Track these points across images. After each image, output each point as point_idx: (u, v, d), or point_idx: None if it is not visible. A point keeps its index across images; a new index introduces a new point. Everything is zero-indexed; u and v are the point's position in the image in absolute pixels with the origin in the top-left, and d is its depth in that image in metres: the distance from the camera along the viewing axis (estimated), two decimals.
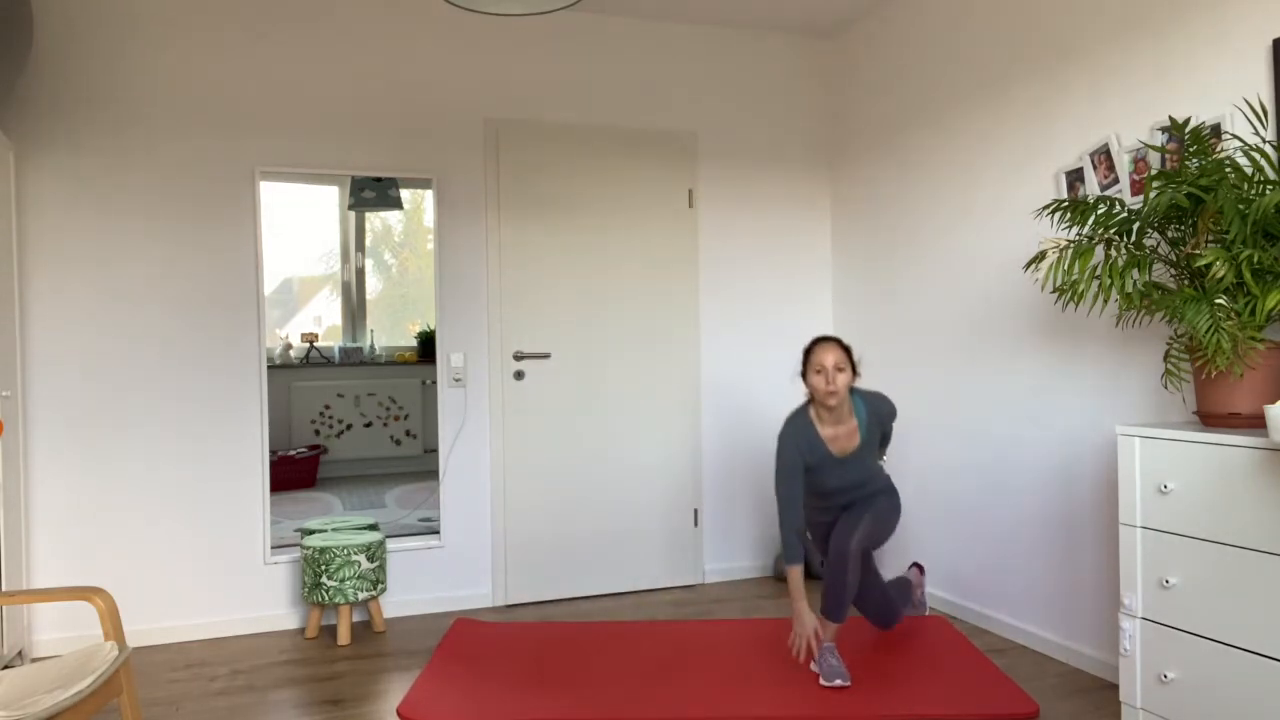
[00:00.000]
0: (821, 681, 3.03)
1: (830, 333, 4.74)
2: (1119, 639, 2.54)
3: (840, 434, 3.19)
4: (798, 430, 3.16)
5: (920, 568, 3.78)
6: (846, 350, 3.15)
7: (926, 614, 3.75)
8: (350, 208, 6.83)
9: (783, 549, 3.10)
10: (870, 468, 3.25)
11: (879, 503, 3.21)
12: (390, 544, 4.04)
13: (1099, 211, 2.63)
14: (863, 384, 4.51)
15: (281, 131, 3.87)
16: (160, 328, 3.72)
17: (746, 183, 4.58)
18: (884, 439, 3.41)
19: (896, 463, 4.25)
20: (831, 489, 3.22)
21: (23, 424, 3.54)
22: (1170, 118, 2.46)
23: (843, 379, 3.09)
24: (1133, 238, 2.61)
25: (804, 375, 3.18)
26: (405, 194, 7.12)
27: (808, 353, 3.18)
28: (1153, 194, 2.47)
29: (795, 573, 3.06)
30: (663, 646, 3.45)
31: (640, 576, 4.36)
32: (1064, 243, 2.67)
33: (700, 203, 4.49)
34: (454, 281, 4.11)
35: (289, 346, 6.85)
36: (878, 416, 3.24)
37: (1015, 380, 3.52)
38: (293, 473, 6.46)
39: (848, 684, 3.01)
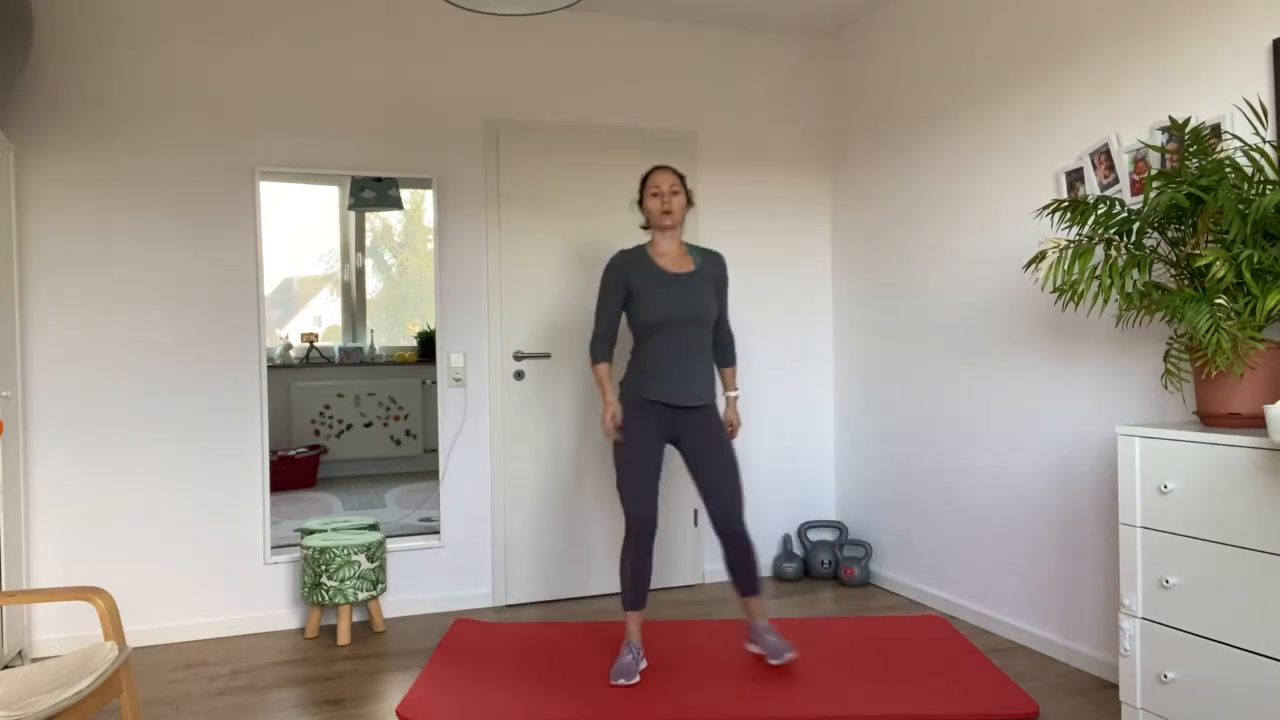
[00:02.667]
0: (770, 660, 3.11)
1: (826, 336, 4.74)
2: (1119, 639, 2.54)
3: (673, 254, 3.21)
4: (624, 253, 3.21)
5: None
6: (681, 177, 3.21)
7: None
8: (350, 208, 6.83)
9: (590, 355, 3.23)
10: (705, 304, 3.15)
11: (729, 450, 3.16)
12: (390, 544, 4.04)
13: (1099, 211, 2.63)
14: (864, 382, 4.51)
15: (281, 131, 3.87)
16: (160, 327, 3.72)
17: (746, 183, 4.58)
18: (721, 326, 3.34)
19: (896, 462, 4.26)
20: (657, 318, 3.11)
21: (23, 424, 3.54)
22: (1170, 118, 2.46)
23: (678, 201, 3.16)
24: (1133, 238, 2.61)
25: (640, 203, 3.24)
26: (405, 194, 7.12)
27: (644, 180, 3.23)
28: (1153, 194, 2.47)
29: (601, 368, 3.21)
30: (663, 646, 3.45)
31: None
32: (1064, 243, 2.67)
33: (700, 203, 4.49)
34: (454, 281, 4.11)
35: (289, 346, 6.85)
36: (710, 257, 3.25)
37: (1015, 380, 3.52)
38: (293, 473, 6.46)
39: (795, 655, 3.15)
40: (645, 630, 3.66)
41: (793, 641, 3.47)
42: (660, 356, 3.13)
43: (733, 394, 3.39)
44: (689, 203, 3.22)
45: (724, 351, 3.38)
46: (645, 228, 3.29)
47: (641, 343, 3.18)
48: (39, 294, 3.58)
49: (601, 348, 3.21)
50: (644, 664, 3.19)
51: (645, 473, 3.11)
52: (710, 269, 3.24)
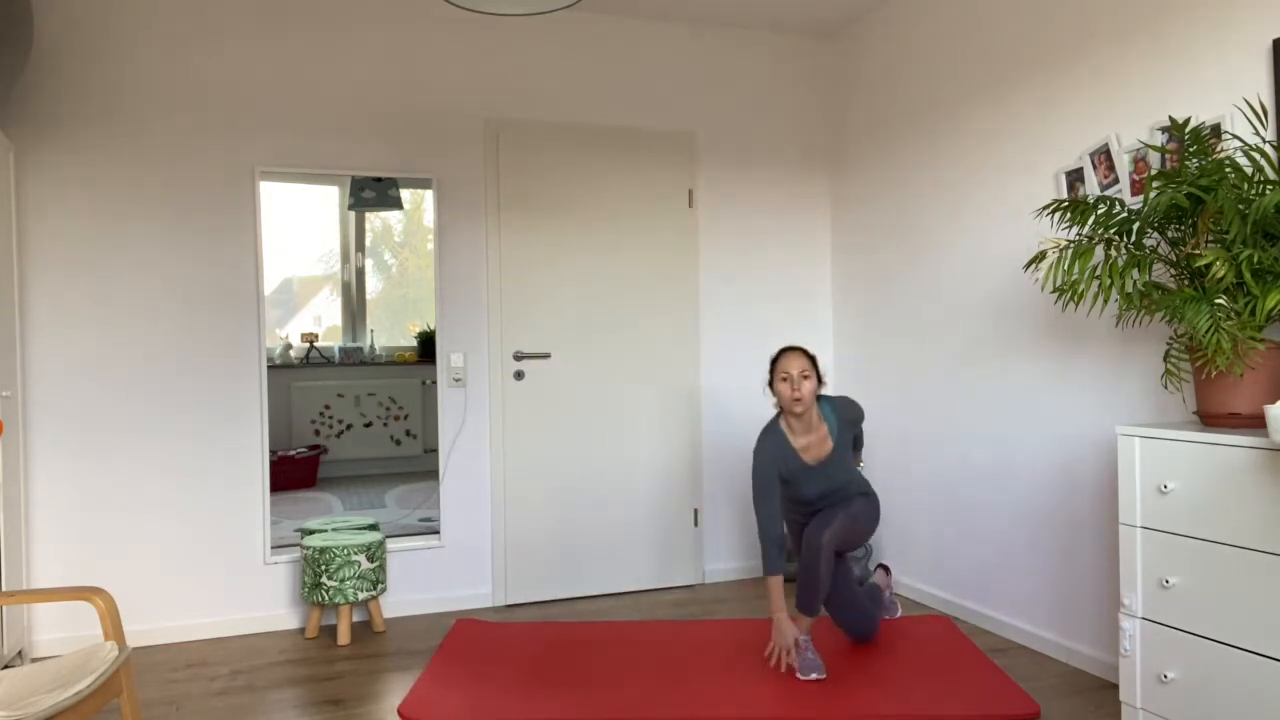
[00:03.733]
0: (798, 675, 3.08)
1: (826, 336, 4.74)
2: (1119, 639, 2.54)
3: (812, 442, 3.22)
4: (771, 443, 3.19)
5: (886, 569, 3.77)
6: (811, 359, 3.20)
7: (898, 615, 3.74)
8: (350, 208, 6.83)
9: (763, 561, 3.12)
10: (846, 472, 3.28)
11: (856, 503, 3.23)
12: (390, 544, 4.04)
13: (1099, 211, 2.63)
14: (864, 382, 4.51)
15: (281, 131, 3.87)
16: (160, 327, 3.72)
17: (746, 183, 4.58)
18: (857, 442, 3.44)
19: (897, 461, 4.25)
20: (809, 498, 3.25)
21: (23, 424, 3.54)
22: (1170, 118, 2.46)
23: (808, 386, 3.14)
24: (1133, 238, 2.61)
25: (771, 385, 3.22)
26: (405, 194, 7.12)
27: (774, 362, 3.22)
28: (1153, 194, 2.47)
29: (774, 582, 3.09)
30: (663, 646, 3.45)
31: (640, 576, 4.36)
32: (1064, 243, 2.67)
33: (700, 203, 4.49)
34: (454, 281, 4.11)
35: (289, 346, 6.85)
36: (847, 420, 3.28)
37: (1015, 380, 3.52)
38: (293, 473, 6.46)
39: (823, 676, 3.07)
40: (646, 630, 3.66)
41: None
42: (811, 499, 3.27)
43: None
44: (820, 383, 3.20)
45: (856, 451, 3.50)
46: (777, 407, 3.26)
47: (793, 504, 3.32)
48: (39, 294, 3.58)
49: (775, 550, 3.08)
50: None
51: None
52: (846, 426, 3.26)
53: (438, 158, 4.08)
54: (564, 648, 3.47)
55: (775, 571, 3.08)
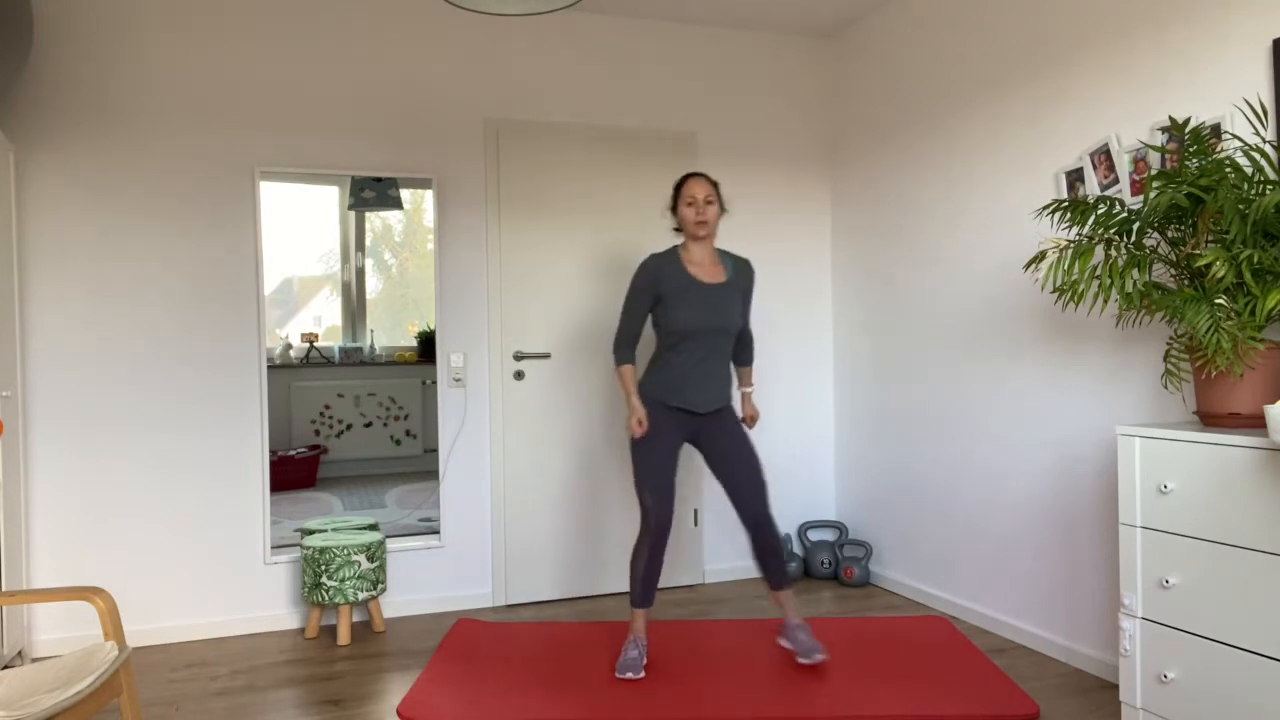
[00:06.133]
0: (800, 659, 3.13)
1: (826, 335, 4.74)
2: (1119, 639, 2.54)
3: (705, 263, 3.23)
4: (656, 261, 3.21)
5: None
6: (714, 185, 3.23)
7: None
8: (350, 208, 6.83)
9: (614, 357, 3.25)
10: (727, 315, 3.19)
11: (750, 447, 3.23)
12: (390, 544, 4.04)
13: (1099, 211, 2.63)
14: (864, 382, 4.51)
15: (281, 131, 3.87)
16: (160, 328, 3.72)
17: (746, 182, 4.58)
18: (744, 339, 3.44)
19: (896, 462, 4.26)
20: (679, 324, 3.15)
21: (23, 424, 3.54)
22: (1170, 118, 2.46)
23: (712, 210, 3.17)
24: (1133, 238, 2.61)
25: (674, 209, 3.26)
26: (405, 194, 7.12)
27: (677, 188, 3.25)
28: (1153, 194, 2.47)
29: (625, 370, 3.22)
30: (663, 646, 3.45)
31: None
32: (1064, 243, 2.67)
33: None
34: (454, 281, 4.11)
35: (289, 346, 6.85)
36: (741, 266, 3.29)
37: (1015, 380, 3.52)
38: (293, 473, 6.46)
39: (826, 657, 3.14)
40: (647, 630, 3.66)
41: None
42: (685, 364, 3.19)
43: (748, 389, 3.48)
44: (722, 210, 3.25)
45: (743, 350, 3.47)
46: (678, 231, 3.30)
47: (666, 348, 3.22)
48: (39, 294, 3.58)
49: (627, 349, 3.25)
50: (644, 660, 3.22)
51: (664, 475, 3.17)
52: (740, 279, 3.28)
53: (438, 158, 4.08)
54: (564, 648, 3.47)
55: (624, 362, 3.23)
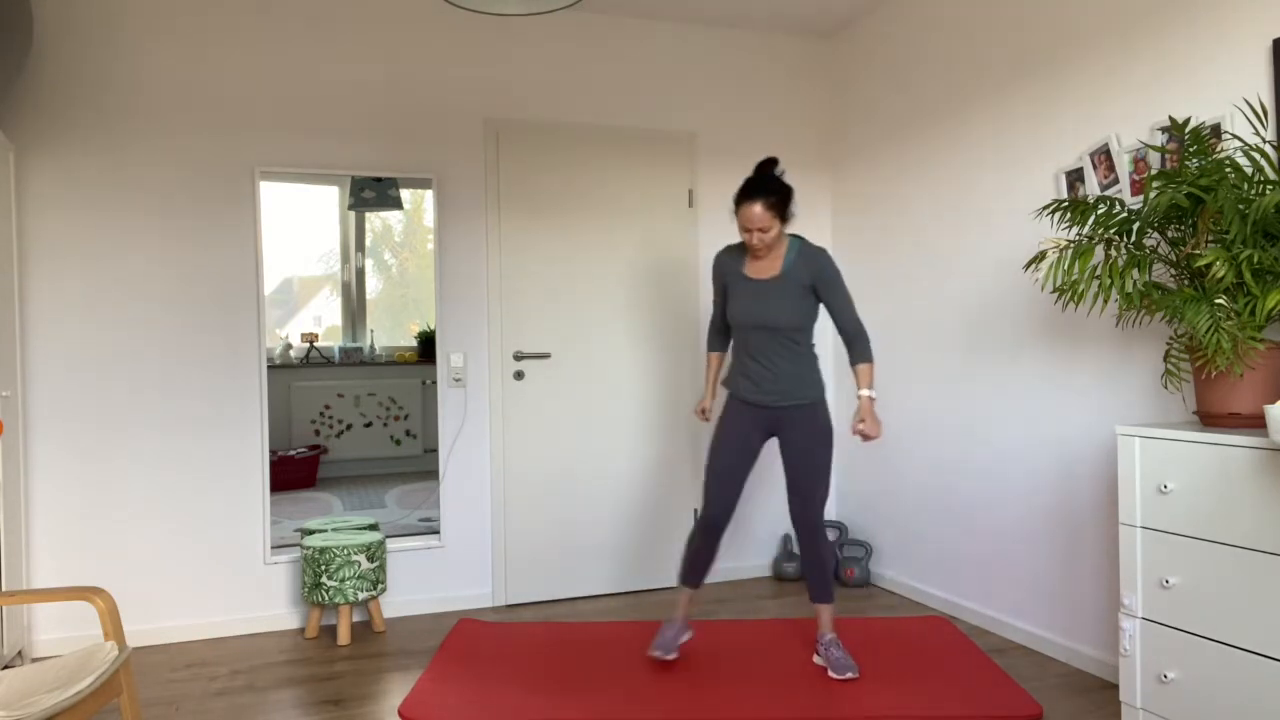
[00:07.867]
0: (832, 674, 3.09)
1: (826, 335, 4.73)
2: (1119, 639, 2.54)
3: (764, 257, 3.14)
4: (725, 250, 3.30)
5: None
6: (776, 202, 2.99)
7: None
8: (350, 208, 6.83)
9: (707, 344, 3.44)
10: (780, 311, 3.07)
11: (818, 456, 3.10)
12: (390, 544, 4.04)
13: (1099, 211, 2.63)
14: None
15: (281, 131, 3.87)
16: (160, 328, 3.72)
17: None
18: (832, 310, 3.12)
19: (896, 462, 4.25)
20: (736, 321, 3.15)
21: (23, 424, 3.54)
22: (1170, 118, 2.46)
23: (769, 236, 3.05)
24: (1133, 238, 2.61)
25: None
26: (405, 194, 7.12)
27: (737, 204, 3.04)
28: (1153, 194, 2.47)
29: (708, 357, 3.42)
30: None
31: (640, 577, 4.36)
32: (1064, 243, 2.67)
33: (700, 203, 4.49)
34: (454, 281, 4.11)
35: (289, 346, 6.85)
36: (807, 257, 3.07)
37: (1015, 380, 3.52)
38: (293, 473, 6.46)
39: (857, 675, 3.07)
40: (646, 630, 3.66)
41: (794, 643, 3.47)
42: (739, 357, 3.24)
43: (864, 393, 3.07)
44: (787, 219, 3.06)
45: (849, 348, 3.14)
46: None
47: (736, 342, 3.28)
48: (39, 294, 3.58)
49: (712, 337, 3.41)
50: (686, 635, 3.30)
51: (724, 468, 3.16)
52: (799, 272, 3.06)
53: (437, 158, 4.08)
54: (564, 648, 3.47)
55: (712, 349, 3.41)
